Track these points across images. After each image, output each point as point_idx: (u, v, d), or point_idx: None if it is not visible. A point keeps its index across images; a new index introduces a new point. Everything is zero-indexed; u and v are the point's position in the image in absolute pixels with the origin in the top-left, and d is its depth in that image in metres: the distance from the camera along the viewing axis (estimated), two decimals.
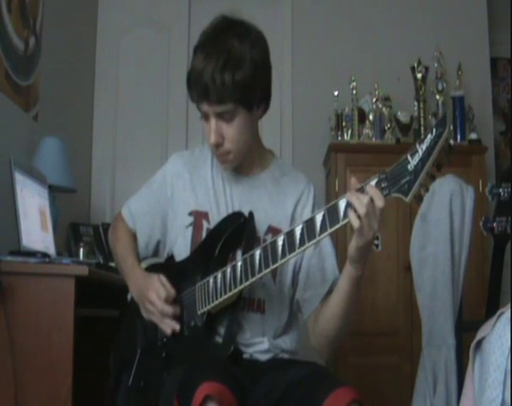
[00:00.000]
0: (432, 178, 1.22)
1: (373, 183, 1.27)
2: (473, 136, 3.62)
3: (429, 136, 1.20)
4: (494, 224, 2.11)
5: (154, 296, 1.55)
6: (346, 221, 1.29)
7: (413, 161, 1.21)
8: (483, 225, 2.14)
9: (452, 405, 2.12)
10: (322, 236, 1.33)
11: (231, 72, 1.47)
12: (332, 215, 1.31)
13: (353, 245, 1.34)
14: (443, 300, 2.21)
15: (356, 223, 1.27)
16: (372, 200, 1.26)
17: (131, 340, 1.69)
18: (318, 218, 1.33)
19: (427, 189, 1.23)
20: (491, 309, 2.03)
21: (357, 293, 1.45)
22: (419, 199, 1.23)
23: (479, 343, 1.48)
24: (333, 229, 1.31)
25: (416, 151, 1.21)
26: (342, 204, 1.30)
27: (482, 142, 3.61)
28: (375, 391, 3.16)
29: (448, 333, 2.19)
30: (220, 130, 1.54)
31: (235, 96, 1.49)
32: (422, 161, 1.20)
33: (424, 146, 1.20)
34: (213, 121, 1.53)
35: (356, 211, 1.26)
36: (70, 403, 1.89)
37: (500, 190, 2.11)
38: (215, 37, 1.53)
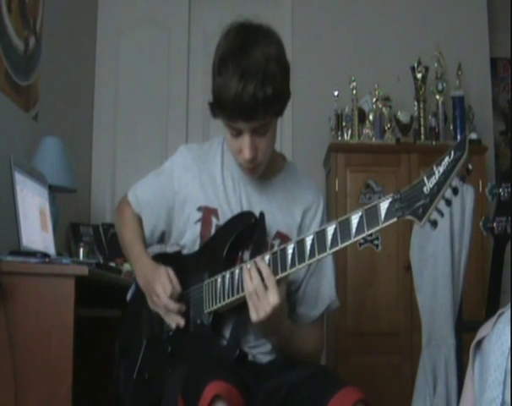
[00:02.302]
0: (447, 202, 1.18)
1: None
2: (473, 136, 3.61)
3: (447, 159, 1.17)
4: (494, 224, 2.11)
5: (160, 290, 1.55)
6: (358, 238, 1.26)
7: (429, 184, 1.18)
8: (483, 225, 2.13)
9: (452, 405, 2.12)
10: (332, 250, 1.31)
11: (271, 85, 1.43)
12: (344, 230, 1.28)
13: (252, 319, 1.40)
14: (443, 300, 2.20)
15: (248, 296, 1.37)
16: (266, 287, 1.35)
17: (137, 329, 1.69)
18: (330, 232, 1.31)
19: (441, 214, 1.19)
20: (491, 309, 2.02)
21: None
22: (434, 224, 1.20)
23: (479, 343, 1.48)
24: (344, 245, 1.29)
25: (433, 173, 1.18)
26: (355, 219, 1.27)
27: (482, 142, 3.61)
28: (375, 391, 3.15)
29: (448, 333, 2.19)
30: (255, 144, 1.51)
31: (277, 107, 1.48)
32: (438, 185, 1.17)
33: (441, 169, 1.17)
34: (248, 137, 1.49)
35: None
36: (70, 403, 1.88)
37: (500, 190, 2.10)
38: (244, 52, 1.44)
